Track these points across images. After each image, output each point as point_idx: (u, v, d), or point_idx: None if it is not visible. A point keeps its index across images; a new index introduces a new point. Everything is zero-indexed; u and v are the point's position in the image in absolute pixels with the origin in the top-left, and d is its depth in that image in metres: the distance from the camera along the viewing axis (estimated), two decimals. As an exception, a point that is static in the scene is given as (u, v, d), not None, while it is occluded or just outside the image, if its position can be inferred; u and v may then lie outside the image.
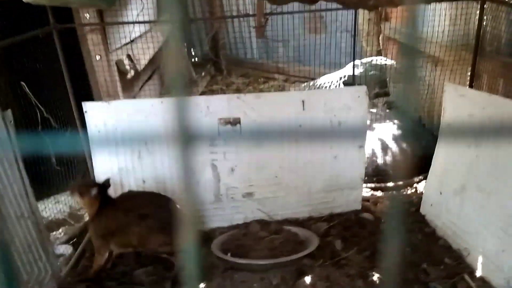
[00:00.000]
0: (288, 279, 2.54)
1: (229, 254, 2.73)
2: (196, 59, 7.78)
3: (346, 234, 3.01)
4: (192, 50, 7.78)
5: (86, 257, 2.90)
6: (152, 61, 5.13)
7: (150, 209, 2.57)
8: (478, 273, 2.54)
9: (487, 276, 2.49)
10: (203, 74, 7.11)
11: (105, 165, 2.98)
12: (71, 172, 3.31)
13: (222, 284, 2.54)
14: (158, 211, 2.56)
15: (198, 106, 2.91)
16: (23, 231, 2.30)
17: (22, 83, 2.54)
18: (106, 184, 2.61)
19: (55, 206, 3.27)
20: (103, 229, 2.57)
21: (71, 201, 3.41)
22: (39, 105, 2.62)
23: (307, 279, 2.54)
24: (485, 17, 3.31)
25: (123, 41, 4.18)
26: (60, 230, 3.10)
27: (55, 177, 3.09)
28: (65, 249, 2.88)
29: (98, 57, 3.57)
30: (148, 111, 2.88)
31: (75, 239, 3.00)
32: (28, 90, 2.56)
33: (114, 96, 3.70)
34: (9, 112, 2.26)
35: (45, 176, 2.94)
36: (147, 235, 2.53)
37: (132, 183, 3.03)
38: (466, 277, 2.52)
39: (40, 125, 2.66)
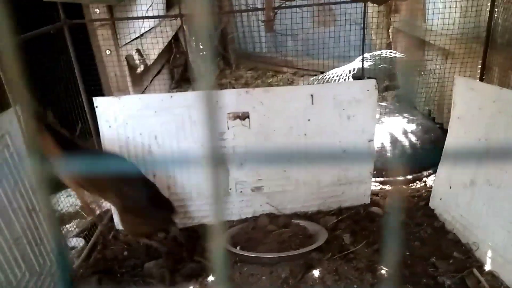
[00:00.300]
0: (296, 272, 2.56)
1: (238, 248, 2.76)
2: (205, 52, 7.78)
3: (355, 228, 3.02)
4: (200, 44, 7.78)
5: (98, 250, 2.95)
6: (161, 55, 5.16)
7: (137, 191, 2.55)
8: (487, 267, 2.54)
9: (496, 270, 2.49)
10: (211, 68, 7.13)
11: (115, 159, 3.02)
12: (82, 166, 3.36)
13: (231, 277, 2.57)
14: (146, 196, 2.56)
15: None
16: (34, 224, 2.35)
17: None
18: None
19: (66, 200, 3.32)
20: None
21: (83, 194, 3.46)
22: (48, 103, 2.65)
23: (316, 273, 2.56)
24: (496, 9, 3.26)
25: (133, 36, 4.20)
26: (72, 223, 3.16)
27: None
28: (77, 242, 2.93)
29: (108, 52, 3.60)
30: (158, 106, 2.91)
31: (86, 232, 3.05)
32: (37, 87, 2.59)
33: (124, 91, 3.74)
34: (19, 108, 2.30)
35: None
36: (122, 212, 2.54)
37: (142, 177, 3.06)
38: (475, 271, 2.52)
39: (49, 119, 2.70)
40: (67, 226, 3.09)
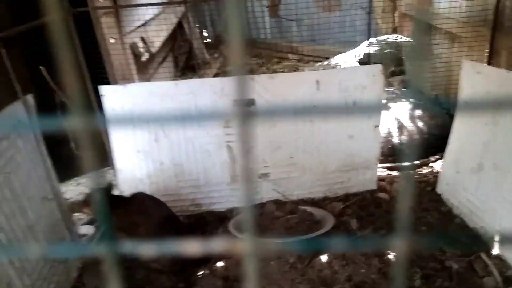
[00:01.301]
0: (304, 257, 2.58)
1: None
2: (209, 40, 7.76)
3: (362, 213, 3.04)
4: (204, 31, 7.75)
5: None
6: (165, 43, 5.14)
7: (146, 218, 2.53)
8: (495, 251, 2.55)
9: (503, 254, 2.50)
10: (215, 55, 7.10)
11: (123, 148, 3.04)
12: (90, 155, 3.38)
13: (240, 262, 2.60)
14: (158, 226, 2.52)
15: (212, 88, 2.92)
16: (47, 212, 2.39)
17: (42, 67, 2.59)
18: (108, 188, 2.59)
19: (76, 188, 3.36)
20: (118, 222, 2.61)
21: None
22: (57, 89, 2.66)
23: (323, 258, 2.59)
24: (504, -9, 3.21)
25: (137, 24, 4.19)
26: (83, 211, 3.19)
27: (76, 160, 3.16)
28: (87, 230, 2.97)
29: (112, 40, 3.59)
30: (163, 94, 2.91)
31: (97, 222, 3.09)
32: (46, 74, 2.60)
33: (129, 79, 3.74)
34: (30, 97, 2.32)
35: (66, 159, 3.01)
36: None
37: (150, 166, 3.08)
38: (483, 255, 2.53)
39: (59, 109, 2.71)
40: (77, 214, 3.13)
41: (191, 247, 0.43)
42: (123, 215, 2.54)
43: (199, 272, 2.57)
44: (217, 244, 0.42)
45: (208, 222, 3.09)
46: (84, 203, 2.64)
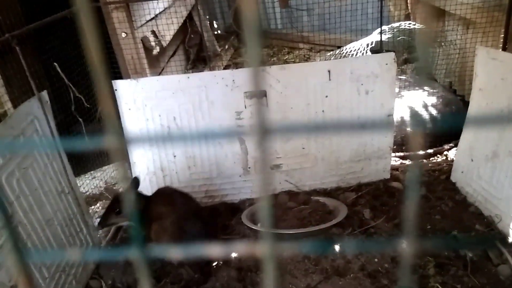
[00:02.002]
0: (317, 247, 2.59)
1: (259, 225, 2.80)
2: (219, 31, 7.74)
3: (375, 203, 3.03)
4: (215, 22, 7.73)
5: (123, 229, 3.04)
6: (176, 36, 5.15)
7: (171, 210, 2.52)
8: (510, 239, 2.53)
9: (519, 242, 2.47)
10: (226, 46, 7.09)
11: (136, 142, 3.07)
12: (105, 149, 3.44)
13: (253, 254, 2.63)
14: (179, 214, 2.52)
15: (224, 80, 2.93)
16: (64, 206, 2.44)
17: (55, 63, 2.63)
18: (136, 181, 2.61)
19: (91, 182, 3.42)
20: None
21: (106, 176, 3.56)
22: (71, 86, 2.70)
23: (336, 248, 2.60)
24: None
25: (147, 18, 4.21)
26: (98, 204, 3.26)
27: (90, 154, 3.22)
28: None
29: (124, 35, 3.62)
30: (175, 87, 2.93)
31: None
32: (60, 71, 2.64)
33: (141, 73, 3.77)
34: (45, 93, 2.36)
35: (81, 153, 3.07)
36: (159, 235, 2.50)
37: (163, 158, 3.12)
38: (498, 243, 2.51)
39: (73, 105, 2.75)
40: (93, 207, 3.19)
41: (214, 250, 0.44)
42: (149, 208, 2.54)
43: (214, 263, 2.60)
44: (238, 248, 0.44)
45: (222, 214, 3.12)
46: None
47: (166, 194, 2.68)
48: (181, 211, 2.55)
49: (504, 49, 3.04)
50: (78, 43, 2.98)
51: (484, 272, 2.35)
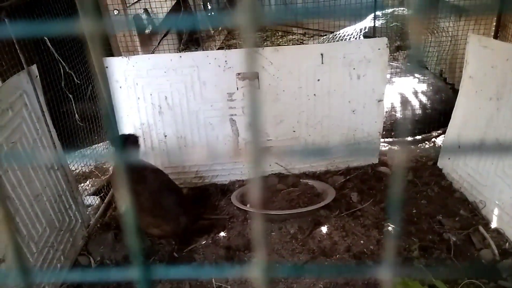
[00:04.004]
0: (305, 228, 2.64)
1: (248, 205, 2.83)
2: (213, 13, 7.65)
3: (363, 187, 3.07)
4: (208, 3, 7.63)
5: (112, 207, 3.05)
6: (169, 15, 5.08)
7: (143, 187, 2.51)
8: (493, 225, 2.59)
9: (502, 227, 2.54)
10: (220, 28, 7.02)
11: (127, 121, 3.06)
12: (95, 127, 3.41)
13: (242, 233, 2.66)
14: (157, 193, 2.54)
15: (216, 61, 2.91)
16: (53, 182, 2.43)
17: (45, 37, 2.58)
18: (130, 138, 2.59)
19: (81, 160, 3.40)
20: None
21: (96, 154, 3.54)
22: (61, 61, 2.66)
23: (323, 229, 2.64)
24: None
25: (140, -5, 4.14)
26: (88, 182, 3.25)
27: (81, 132, 3.19)
28: (93, 200, 3.03)
29: (116, 12, 3.56)
30: (167, 66, 2.91)
31: (102, 193, 3.14)
32: (50, 45, 2.60)
33: (133, 52, 3.73)
34: (34, 68, 2.33)
35: (71, 132, 3.04)
36: (136, 210, 2.53)
37: (154, 138, 3.11)
38: (481, 228, 2.57)
39: (63, 81, 2.72)
40: (83, 185, 3.19)
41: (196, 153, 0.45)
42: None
43: (202, 241, 2.63)
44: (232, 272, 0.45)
45: (211, 194, 3.14)
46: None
47: (136, 171, 2.66)
48: (154, 187, 2.56)
49: (495, 37, 3.07)
50: (70, 17, 2.93)
51: (467, 256, 2.41)
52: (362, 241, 2.53)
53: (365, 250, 2.47)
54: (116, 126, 0.44)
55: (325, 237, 2.58)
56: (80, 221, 2.69)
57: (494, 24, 3.15)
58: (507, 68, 2.50)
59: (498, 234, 2.53)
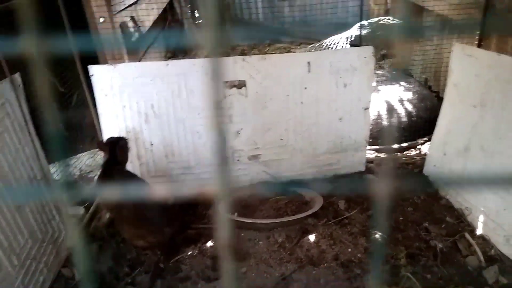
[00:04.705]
0: (292, 237, 2.63)
1: (236, 214, 2.81)
2: (200, 21, 7.65)
3: (350, 194, 3.07)
4: (195, 12, 7.64)
5: (97, 218, 3.00)
6: (156, 24, 5.07)
7: (132, 201, 2.40)
8: (479, 231, 2.61)
9: (487, 234, 2.56)
10: (207, 36, 7.02)
11: (113, 129, 3.02)
12: (80, 136, 3.36)
13: (232, 243, 2.63)
14: (140, 204, 2.42)
15: (203, 68, 2.90)
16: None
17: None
18: (116, 141, 2.55)
19: (65, 169, 3.34)
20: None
21: (81, 164, 3.49)
22: (46, 69, 2.63)
23: (311, 237, 2.63)
24: (497, -26, 3.20)
25: (127, 3, 4.12)
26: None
27: (65, 141, 3.14)
28: (77, 210, 2.97)
29: (102, 20, 3.53)
30: (153, 74, 2.89)
31: (87, 203, 3.08)
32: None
33: (119, 60, 3.69)
34: (17, 76, 2.29)
35: (54, 140, 2.99)
36: (120, 222, 2.53)
37: (140, 146, 3.08)
38: (467, 235, 2.59)
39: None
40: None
41: (159, 190, 0.44)
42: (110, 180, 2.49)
43: (188, 251, 2.60)
44: (186, 189, 0.43)
45: (199, 203, 3.11)
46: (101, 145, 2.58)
47: (120, 182, 2.60)
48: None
49: (479, 46, 3.12)
50: (55, 24, 2.90)
51: (453, 263, 2.42)
52: (349, 249, 2.52)
53: (352, 258, 2.47)
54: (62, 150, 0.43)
55: (313, 245, 2.57)
56: (63, 232, 2.63)
57: (478, 33, 3.20)
58: (491, 76, 2.54)
59: (483, 240, 2.55)
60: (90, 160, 3.52)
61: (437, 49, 4.11)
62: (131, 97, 2.94)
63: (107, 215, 2.74)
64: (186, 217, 2.93)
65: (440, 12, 3.88)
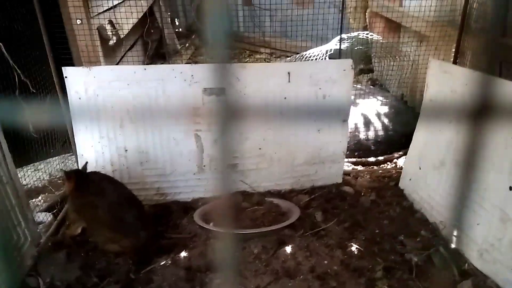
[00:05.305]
0: (269, 248, 2.58)
1: (211, 224, 2.75)
2: (180, 29, 7.62)
3: (327, 206, 3.06)
4: (176, 20, 7.60)
5: (66, 225, 2.87)
6: (135, 29, 5.00)
7: (107, 201, 2.45)
8: (453, 245, 2.63)
9: (461, 248, 2.58)
10: (187, 45, 6.98)
11: (86, 133, 2.93)
12: (51, 140, 3.24)
13: (204, 253, 2.57)
14: (116, 206, 2.47)
15: (182, 75, 2.86)
16: (1, 197, 2.26)
17: (0, 44, 2.44)
18: (84, 168, 2.62)
19: (34, 174, 3.21)
20: (74, 205, 2.56)
21: (51, 168, 3.36)
22: (17, 68, 2.52)
23: (288, 249, 2.59)
24: (472, -6, 3.31)
25: (105, 6, 4.05)
26: (40, 198, 3.06)
27: (34, 144, 3.02)
28: (44, 217, 2.85)
29: (78, 22, 3.44)
30: (130, 78, 2.82)
31: (56, 209, 2.96)
32: (5, 51, 2.46)
33: (96, 63, 3.60)
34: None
35: (24, 143, 2.87)
36: (94, 225, 2.48)
37: (114, 152, 2.99)
38: (441, 249, 2.60)
39: (17, 89, 2.57)
40: (35, 200, 3.00)
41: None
42: (80, 196, 2.48)
43: (161, 261, 2.51)
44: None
45: (173, 212, 3.03)
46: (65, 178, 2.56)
47: (93, 182, 2.56)
48: (112, 199, 2.47)
49: (455, 62, 3.20)
50: (28, 24, 2.81)
51: (428, 276, 2.42)
52: (326, 261, 2.49)
53: (328, 270, 2.43)
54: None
55: (289, 257, 2.53)
56: (29, 239, 2.50)
57: (454, 50, 3.29)
58: (466, 92, 2.59)
59: (458, 254, 2.57)
60: (61, 165, 3.39)
61: (414, 65, 4.20)
62: (106, 101, 2.85)
63: (79, 230, 2.64)
64: (159, 226, 2.84)
65: (417, 29, 3.96)
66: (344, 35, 4.22)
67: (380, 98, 4.35)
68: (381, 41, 4.66)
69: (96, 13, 3.78)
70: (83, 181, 2.51)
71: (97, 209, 2.41)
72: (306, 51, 5.20)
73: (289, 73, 2.96)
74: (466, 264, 2.48)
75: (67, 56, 3.32)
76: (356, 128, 3.87)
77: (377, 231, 2.80)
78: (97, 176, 2.63)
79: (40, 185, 3.24)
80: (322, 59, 4.45)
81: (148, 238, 2.48)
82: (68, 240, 2.67)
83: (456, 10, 3.55)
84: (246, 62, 6.81)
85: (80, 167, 2.73)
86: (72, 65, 3.35)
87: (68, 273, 2.40)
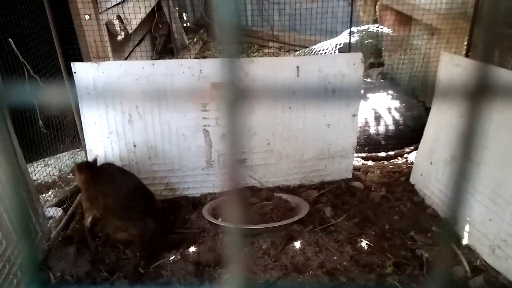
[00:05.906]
0: (277, 244, 2.57)
1: (220, 219, 2.74)
2: (188, 24, 7.61)
3: (336, 201, 3.04)
4: (184, 14, 7.59)
5: (76, 220, 2.89)
6: (143, 24, 4.99)
7: (117, 191, 2.52)
8: (465, 241, 2.60)
9: (472, 244, 2.54)
10: (195, 39, 6.97)
11: (95, 129, 2.93)
12: (60, 135, 3.25)
13: (213, 248, 2.57)
14: (126, 195, 2.53)
15: (190, 69, 2.84)
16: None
17: (10, 40, 2.45)
18: (94, 161, 2.67)
19: (44, 169, 3.24)
20: (87, 193, 2.59)
21: (60, 164, 3.38)
22: (26, 64, 2.53)
23: (297, 244, 2.58)
24: (485, -14, 3.23)
25: (114, 2, 4.04)
26: (50, 193, 3.08)
27: (44, 140, 3.03)
28: (55, 212, 2.87)
29: (87, 17, 3.45)
30: (139, 74, 2.82)
31: (66, 204, 2.98)
32: (15, 47, 2.47)
33: (104, 58, 3.61)
34: (-6, 70, 2.19)
35: (34, 139, 2.89)
36: (105, 212, 2.52)
37: (123, 147, 2.99)
38: (453, 245, 2.57)
39: (27, 85, 2.58)
40: (45, 195, 3.02)
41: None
42: (92, 185, 2.53)
43: (170, 256, 2.51)
44: None
45: (182, 207, 3.03)
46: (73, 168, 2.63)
47: (105, 172, 2.61)
48: (123, 189, 2.53)
49: (467, 55, 3.14)
50: (37, 20, 2.81)
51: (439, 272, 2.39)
52: (335, 257, 2.48)
53: (338, 266, 2.42)
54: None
55: (298, 252, 2.52)
56: (40, 233, 2.52)
57: (466, 43, 3.22)
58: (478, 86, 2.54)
59: (469, 250, 2.54)
60: (70, 161, 3.41)
61: (425, 59, 4.13)
62: (115, 97, 2.86)
63: (89, 219, 2.66)
64: (169, 221, 2.85)
65: (428, 22, 3.90)
66: (354, 29, 4.17)
67: (390, 92, 4.29)
68: (391, 34, 4.60)
69: (105, 9, 3.78)
70: (96, 172, 2.55)
71: (108, 197, 2.48)
72: (315, 45, 5.16)
73: (298, 67, 2.93)
74: (478, 260, 2.45)
75: (76, 52, 3.32)
76: (366, 122, 3.83)
77: (387, 226, 2.77)
78: (110, 167, 2.67)
79: (50, 180, 3.26)
80: (331, 53, 4.40)
81: (156, 228, 2.52)
82: (78, 234, 2.69)
83: (468, 2, 3.48)
84: (254, 56, 6.78)
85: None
86: (81, 60, 3.36)
87: (78, 268, 2.42)
